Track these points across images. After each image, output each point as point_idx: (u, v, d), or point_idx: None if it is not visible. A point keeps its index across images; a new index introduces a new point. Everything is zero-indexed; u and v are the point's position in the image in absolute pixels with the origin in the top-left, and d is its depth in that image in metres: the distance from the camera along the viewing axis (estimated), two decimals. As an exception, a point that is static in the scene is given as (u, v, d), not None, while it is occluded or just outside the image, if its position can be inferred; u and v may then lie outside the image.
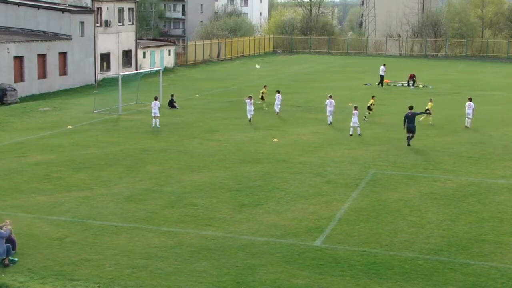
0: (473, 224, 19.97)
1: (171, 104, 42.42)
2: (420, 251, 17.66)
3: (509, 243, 18.38)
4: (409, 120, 31.06)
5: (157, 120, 35.05)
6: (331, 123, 37.01)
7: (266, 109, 41.11)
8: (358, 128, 33.68)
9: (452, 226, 19.70)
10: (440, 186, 24.14)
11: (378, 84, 56.64)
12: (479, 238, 18.73)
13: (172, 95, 43.19)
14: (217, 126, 35.73)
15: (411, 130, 31.08)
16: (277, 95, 40.27)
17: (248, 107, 37.26)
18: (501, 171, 26.69)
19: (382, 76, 56.97)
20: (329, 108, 37.04)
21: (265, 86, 43.36)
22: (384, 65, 57.97)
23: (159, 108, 35.10)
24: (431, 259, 17.12)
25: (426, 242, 18.34)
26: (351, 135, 33.46)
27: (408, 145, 30.99)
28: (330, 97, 37.50)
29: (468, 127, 35.95)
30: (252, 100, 37.44)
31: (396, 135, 33.38)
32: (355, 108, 33.91)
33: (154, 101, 35.25)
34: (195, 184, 23.83)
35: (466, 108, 36.41)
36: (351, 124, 33.66)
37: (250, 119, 37.17)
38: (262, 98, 41.80)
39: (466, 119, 36.37)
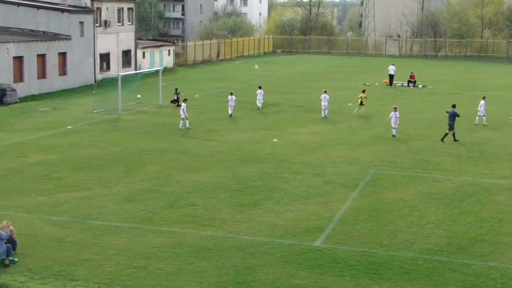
0: (472, 224, 19.97)
1: (177, 100, 42.75)
2: (419, 251, 17.66)
3: (508, 243, 18.38)
4: (449, 117, 32.37)
5: (182, 121, 34.81)
6: (325, 117, 38.87)
7: (361, 112, 39.64)
8: (394, 130, 33.15)
9: (452, 226, 19.70)
10: (440, 186, 24.15)
11: (390, 85, 57.04)
12: (478, 238, 18.73)
13: (176, 89, 43.56)
14: (217, 126, 35.73)
15: (449, 126, 32.30)
16: (258, 90, 42.03)
17: (230, 103, 38.86)
18: (500, 171, 26.70)
19: (392, 76, 57.27)
20: (323, 103, 38.99)
21: (363, 90, 41.32)
22: (393, 64, 58.41)
23: (183, 110, 34.76)
24: (431, 259, 17.12)
25: (425, 242, 18.35)
26: (393, 135, 33.15)
27: (442, 141, 32.10)
28: (325, 92, 39.41)
29: (485, 125, 36.64)
30: (234, 97, 39.11)
31: (396, 135, 33.36)
32: (395, 109, 33.35)
33: (182, 103, 35.11)
34: (195, 184, 23.83)
35: (481, 106, 36.77)
36: (393, 126, 33.24)
37: (231, 114, 38.73)
38: (361, 103, 39.98)
39: (483, 117, 36.87)
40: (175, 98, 43.11)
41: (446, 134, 32.31)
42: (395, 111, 33.20)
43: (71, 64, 53.79)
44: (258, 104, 41.94)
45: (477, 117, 36.96)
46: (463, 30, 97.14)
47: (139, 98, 43.01)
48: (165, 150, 29.43)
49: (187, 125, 34.83)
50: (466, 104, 44.31)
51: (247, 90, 51.48)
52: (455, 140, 32.15)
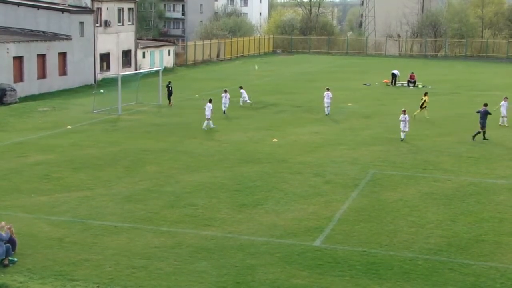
0: (472, 224, 19.96)
1: (170, 94, 43.81)
2: (419, 251, 17.65)
3: (508, 243, 18.38)
4: (481, 116, 32.68)
5: (207, 122, 34.69)
6: (328, 114, 39.82)
7: (428, 117, 38.23)
8: (403, 134, 32.19)
9: (452, 226, 19.70)
10: (440, 186, 24.14)
11: (394, 84, 57.54)
12: (478, 238, 18.72)
13: (169, 82, 44.47)
14: (217, 126, 35.68)
15: (481, 125, 32.65)
16: (241, 90, 43.23)
17: (223, 100, 39.60)
18: (500, 171, 26.69)
19: (395, 76, 57.54)
20: (326, 100, 40.06)
21: (425, 93, 39.56)
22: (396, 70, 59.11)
23: (211, 110, 34.69)
24: (431, 259, 17.12)
25: (425, 242, 18.34)
26: (402, 139, 32.12)
27: (473, 139, 32.55)
28: (328, 89, 40.42)
29: (506, 126, 36.48)
30: (228, 94, 39.88)
31: (396, 135, 33.34)
32: (404, 112, 32.39)
33: (208, 103, 35.08)
34: (195, 184, 23.82)
35: (502, 107, 36.75)
36: (402, 129, 32.28)
37: (224, 111, 39.42)
38: (422, 106, 38.40)
39: (502, 118, 36.76)
40: (169, 92, 43.88)
41: (479, 132, 32.61)
42: (404, 113, 32.31)
43: (71, 64, 53.79)
44: (248, 101, 42.82)
45: (504, 118, 36.73)
46: (463, 30, 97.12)
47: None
48: (165, 150, 29.43)
49: (211, 125, 34.78)
50: (466, 104, 44.36)
51: (247, 90, 51.44)
52: (484, 138, 32.52)
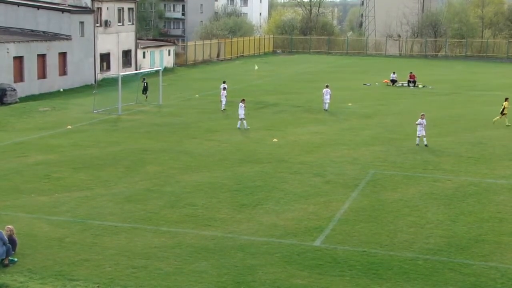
0: (472, 224, 19.97)
1: (145, 90, 45.17)
2: (419, 251, 17.65)
3: (508, 243, 18.38)
4: None
5: (242, 122, 34.72)
6: (326, 110, 41.35)
7: (509, 125, 36.38)
8: (424, 138, 30.87)
9: (452, 226, 19.70)
10: (440, 186, 24.14)
11: (393, 84, 57.92)
12: (478, 238, 18.72)
13: (144, 78, 45.72)
14: (217, 126, 35.71)
15: None
16: (224, 85, 43.13)
17: (222, 98, 41.12)
18: (500, 171, 26.69)
19: (394, 80, 57.82)
20: (325, 96, 41.37)
21: (506, 99, 36.96)
22: (394, 73, 59.10)
23: (243, 109, 34.72)
24: (431, 259, 17.12)
25: (425, 242, 18.34)
26: (417, 144, 30.98)
27: None
28: (327, 86, 41.80)
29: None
30: (225, 92, 41.29)
31: (396, 135, 33.36)
32: (422, 116, 31.12)
33: (240, 103, 35.02)
34: (195, 184, 23.82)
35: None
36: (418, 134, 31.10)
37: (223, 108, 40.89)
38: (502, 112, 36.43)
39: None
40: (144, 87, 45.24)
41: None
42: (423, 118, 30.98)
43: (71, 64, 53.79)
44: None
45: None
46: (463, 30, 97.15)
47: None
48: (165, 150, 29.43)
49: (245, 126, 34.76)
50: (466, 104, 44.37)
51: (247, 90, 51.52)
52: None
